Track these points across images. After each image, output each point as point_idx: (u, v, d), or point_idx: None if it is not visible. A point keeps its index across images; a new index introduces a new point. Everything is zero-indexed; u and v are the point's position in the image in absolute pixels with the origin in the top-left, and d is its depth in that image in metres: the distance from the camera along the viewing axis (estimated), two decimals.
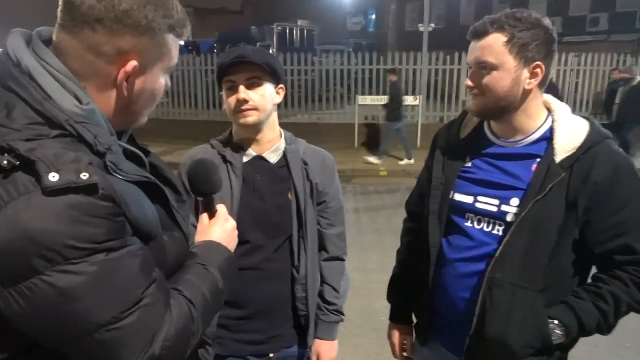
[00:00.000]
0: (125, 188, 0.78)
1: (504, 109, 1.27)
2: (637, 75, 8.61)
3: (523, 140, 1.31)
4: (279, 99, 1.50)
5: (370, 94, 10.55)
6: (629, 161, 1.24)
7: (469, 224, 1.35)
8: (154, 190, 0.88)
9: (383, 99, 10.24)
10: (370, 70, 10.70)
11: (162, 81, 0.90)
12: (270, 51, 14.36)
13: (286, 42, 16.73)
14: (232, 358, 1.53)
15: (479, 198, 1.32)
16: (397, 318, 1.65)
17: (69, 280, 0.70)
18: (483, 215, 1.32)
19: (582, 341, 1.33)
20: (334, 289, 1.62)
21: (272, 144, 1.53)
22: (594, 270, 1.34)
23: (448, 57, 10.36)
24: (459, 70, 10.22)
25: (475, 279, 1.30)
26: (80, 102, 0.79)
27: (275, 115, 1.53)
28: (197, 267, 0.96)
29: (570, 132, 1.24)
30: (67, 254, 0.69)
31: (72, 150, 0.73)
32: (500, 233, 1.28)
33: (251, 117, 1.43)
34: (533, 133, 1.30)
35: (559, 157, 1.22)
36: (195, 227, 1.45)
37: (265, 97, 1.44)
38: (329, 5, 29.53)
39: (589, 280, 1.33)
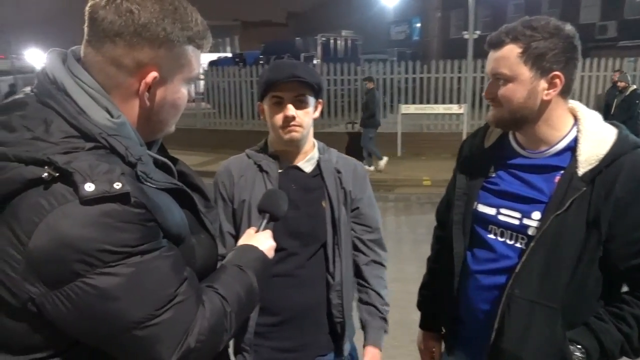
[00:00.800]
0: (155, 195, 0.83)
1: (521, 120, 1.24)
2: (631, 85, 8.39)
3: (547, 151, 1.27)
4: (317, 113, 1.54)
5: (413, 102, 10.45)
6: None
7: (492, 236, 1.32)
8: (182, 196, 0.93)
9: (427, 108, 10.14)
10: (414, 79, 10.61)
11: (184, 91, 0.94)
12: (315, 62, 14.56)
13: (330, 53, 16.85)
14: None
15: (502, 210, 1.30)
16: (427, 326, 1.65)
17: (108, 282, 0.75)
18: (506, 228, 1.29)
19: None
20: (379, 294, 1.63)
21: (306, 154, 1.56)
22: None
23: None
24: None
25: (496, 292, 1.28)
26: (111, 115, 0.84)
27: (311, 128, 1.57)
28: (233, 268, 1.02)
29: (595, 142, 1.19)
30: (105, 258, 0.74)
31: (105, 162, 0.78)
32: (523, 247, 1.25)
33: (297, 134, 1.47)
34: (557, 143, 1.26)
35: (581, 169, 1.17)
36: (231, 234, 1.51)
37: (309, 114, 1.49)
38: (372, 15, 29.57)
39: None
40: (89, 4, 0.84)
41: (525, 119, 1.24)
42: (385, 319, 1.64)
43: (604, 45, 18.53)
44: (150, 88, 0.87)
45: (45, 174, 0.74)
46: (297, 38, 18.55)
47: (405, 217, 6.70)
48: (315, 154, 1.57)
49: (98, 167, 0.76)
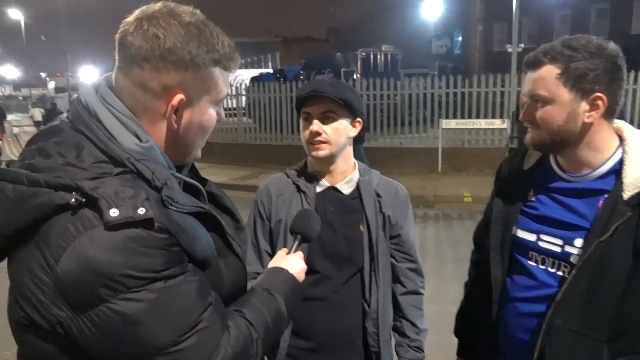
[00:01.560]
0: (181, 219, 0.83)
1: (561, 143, 1.19)
2: None
3: (590, 175, 1.20)
4: (354, 132, 1.51)
5: (455, 117, 10.28)
6: None
7: (532, 263, 1.27)
8: (209, 220, 0.93)
9: (468, 123, 9.93)
10: (455, 94, 10.45)
11: (212, 113, 0.94)
12: (355, 77, 14.60)
13: (370, 68, 16.89)
14: None
15: (543, 237, 1.24)
16: (464, 354, 1.59)
17: (132, 308, 0.75)
18: (547, 255, 1.23)
19: None
20: (413, 324, 1.59)
21: (345, 176, 1.54)
22: None
23: None
24: None
25: (536, 321, 1.22)
26: (140, 140, 0.86)
27: (350, 148, 1.55)
28: (262, 292, 1.01)
29: None
30: (129, 283, 0.75)
31: (131, 187, 0.79)
32: (566, 275, 1.19)
33: (322, 151, 1.46)
34: (601, 166, 1.19)
35: (627, 193, 1.11)
36: (269, 253, 1.51)
37: (339, 131, 1.46)
38: (414, 29, 29.50)
39: None
40: (119, 31, 0.87)
41: (565, 142, 1.18)
42: (419, 348, 1.60)
43: None
44: (178, 110, 0.88)
45: (73, 200, 0.76)
46: (338, 53, 18.70)
47: (446, 234, 6.54)
48: (355, 176, 1.55)
49: (123, 193, 0.77)
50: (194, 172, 1.06)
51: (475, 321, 1.49)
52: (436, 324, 3.92)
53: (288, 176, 1.59)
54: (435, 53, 29.68)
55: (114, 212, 0.75)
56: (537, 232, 1.25)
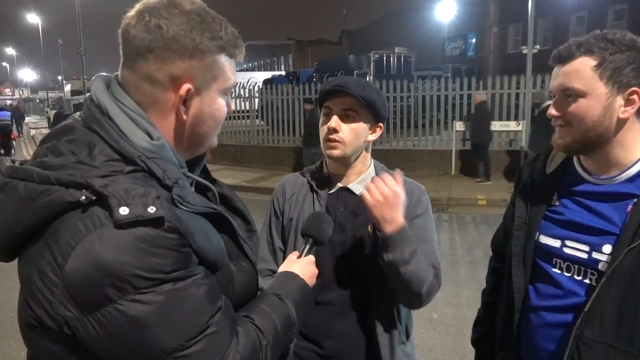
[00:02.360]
0: (191, 219, 0.81)
1: (594, 141, 1.13)
2: (547, 101, 8.06)
3: (618, 177, 1.15)
4: (373, 137, 1.47)
5: (468, 120, 10.20)
6: None
7: (557, 270, 1.21)
8: (221, 221, 0.91)
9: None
10: (469, 96, 10.36)
11: (221, 102, 0.91)
12: (367, 79, 14.57)
13: (383, 70, 16.86)
14: None
15: (567, 242, 1.19)
16: None
17: (139, 309, 0.73)
18: (572, 262, 1.18)
19: None
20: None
21: (358, 175, 1.51)
22: None
23: None
24: None
25: (562, 331, 1.17)
26: (151, 137, 0.84)
27: (368, 150, 1.51)
28: (272, 297, 0.98)
29: None
30: (137, 283, 0.73)
31: (141, 185, 0.77)
32: (593, 283, 1.14)
33: (336, 151, 1.42)
34: (630, 168, 1.14)
35: None
36: (281, 249, 1.49)
37: (357, 132, 1.42)
38: (427, 31, 29.38)
39: None
40: (121, 26, 0.85)
41: (598, 139, 1.13)
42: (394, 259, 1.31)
43: None
44: (186, 101, 0.86)
45: (83, 197, 0.74)
46: (350, 55, 18.69)
47: (460, 238, 6.47)
48: (368, 175, 1.51)
49: (134, 191, 0.75)
50: (205, 173, 1.03)
51: (494, 331, 1.44)
52: (451, 329, 3.90)
53: (303, 175, 1.58)
54: (448, 55, 29.53)
55: (124, 210, 0.73)
56: (562, 238, 1.20)
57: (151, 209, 0.74)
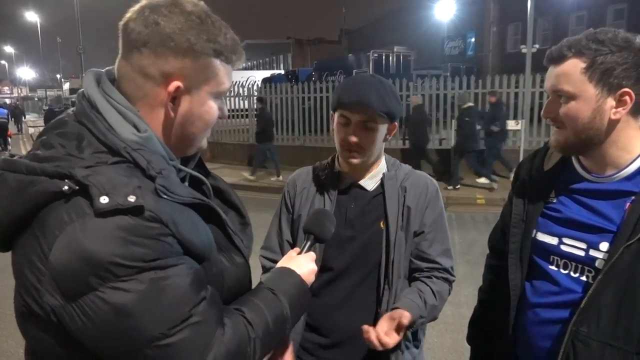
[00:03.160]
0: (177, 210, 0.82)
1: (587, 142, 1.13)
2: (467, 103, 9.03)
3: (616, 175, 1.15)
4: (389, 137, 1.48)
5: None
6: None
7: (553, 267, 1.21)
8: (208, 212, 0.92)
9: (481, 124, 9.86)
10: (468, 95, 10.35)
11: (212, 104, 0.93)
12: None
13: (382, 69, 16.85)
14: None
15: (565, 240, 1.19)
16: None
17: (120, 297, 0.74)
18: (569, 259, 1.18)
19: None
20: (433, 293, 1.45)
21: (370, 171, 1.51)
22: None
23: None
24: None
25: (558, 328, 1.17)
26: (138, 130, 0.86)
27: (381, 149, 1.51)
28: (265, 292, 0.98)
29: None
30: (118, 271, 0.74)
31: (124, 176, 0.79)
32: (590, 281, 1.14)
33: (356, 159, 1.42)
34: (627, 166, 1.14)
35: None
36: (289, 243, 1.49)
37: (377, 140, 1.42)
38: (426, 30, 29.37)
39: None
40: (122, 19, 0.88)
41: (591, 140, 1.13)
42: (426, 309, 1.41)
43: None
44: (175, 98, 0.88)
45: (66, 187, 0.76)
46: (350, 54, 18.68)
47: (459, 236, 6.48)
48: (380, 171, 1.51)
49: (115, 181, 0.77)
50: (201, 167, 1.05)
51: (490, 328, 1.44)
52: (450, 328, 3.91)
53: (315, 171, 1.57)
54: (447, 54, 29.52)
55: (104, 199, 0.75)
56: (559, 235, 1.20)
57: (131, 198, 0.76)
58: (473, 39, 28.42)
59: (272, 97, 12.32)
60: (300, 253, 1.14)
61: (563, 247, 1.19)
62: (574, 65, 1.10)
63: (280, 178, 10.14)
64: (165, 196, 0.82)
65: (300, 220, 1.49)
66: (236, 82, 12.30)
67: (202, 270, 0.86)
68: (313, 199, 1.50)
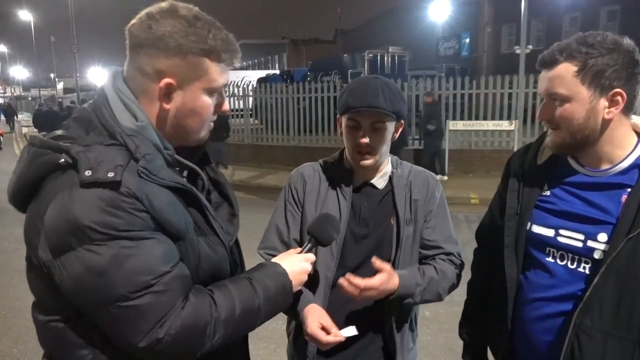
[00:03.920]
0: (155, 190, 0.93)
1: (582, 142, 1.17)
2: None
3: (611, 170, 1.18)
4: (396, 135, 1.51)
5: (462, 119, 10.25)
6: None
7: (550, 259, 1.23)
8: (189, 196, 1.01)
9: (475, 124, 9.90)
10: (462, 95, 10.42)
11: (205, 99, 1.02)
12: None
13: (377, 69, 16.88)
14: None
15: (561, 231, 1.21)
16: (471, 357, 1.54)
17: (93, 258, 0.87)
18: (566, 250, 1.20)
19: None
20: (434, 268, 1.51)
21: (380, 170, 1.54)
22: None
23: None
24: None
25: (560, 321, 1.19)
26: (137, 119, 0.98)
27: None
28: (242, 279, 1.06)
29: None
30: (93, 235, 0.86)
31: (111, 155, 0.91)
32: (587, 272, 1.16)
33: (368, 161, 1.45)
34: (621, 162, 1.17)
35: None
36: (296, 241, 1.54)
37: (386, 139, 1.46)
38: (421, 31, 29.43)
39: None
40: (128, 25, 1.01)
41: (586, 140, 1.17)
42: (423, 278, 1.46)
43: None
44: (169, 93, 0.99)
45: (62, 160, 0.91)
46: (345, 55, 18.70)
47: None
48: (388, 169, 1.55)
49: (101, 158, 0.90)
50: (205, 159, 1.16)
51: (484, 322, 1.45)
52: (443, 326, 3.93)
53: (323, 169, 1.58)
54: (442, 54, 29.61)
55: (88, 173, 0.88)
56: (556, 227, 1.22)
57: (110, 174, 0.88)
58: (467, 40, 28.51)
59: (267, 97, 12.32)
60: (300, 253, 1.19)
61: (560, 239, 1.21)
62: (566, 69, 1.13)
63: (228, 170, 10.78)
64: (145, 177, 0.92)
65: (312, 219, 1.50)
66: (231, 82, 12.28)
67: (176, 248, 0.96)
68: (325, 199, 1.51)
